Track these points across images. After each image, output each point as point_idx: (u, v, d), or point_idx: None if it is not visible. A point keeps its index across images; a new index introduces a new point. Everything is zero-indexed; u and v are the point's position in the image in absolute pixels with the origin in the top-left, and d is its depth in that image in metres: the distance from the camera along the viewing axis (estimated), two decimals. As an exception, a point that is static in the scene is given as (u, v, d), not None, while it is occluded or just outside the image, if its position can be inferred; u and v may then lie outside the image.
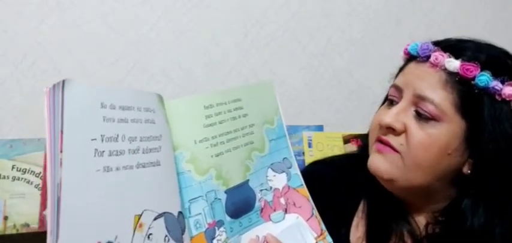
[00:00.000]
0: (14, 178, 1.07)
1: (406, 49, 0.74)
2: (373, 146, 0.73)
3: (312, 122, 1.46)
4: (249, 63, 1.45)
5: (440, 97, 0.66)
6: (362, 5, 1.57)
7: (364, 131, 0.82)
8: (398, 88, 0.71)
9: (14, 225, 1.05)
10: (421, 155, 0.67)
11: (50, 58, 1.26)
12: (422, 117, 0.67)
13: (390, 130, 0.69)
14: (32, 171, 1.08)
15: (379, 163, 0.70)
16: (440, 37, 0.74)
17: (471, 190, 0.68)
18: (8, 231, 1.04)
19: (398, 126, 0.68)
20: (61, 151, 0.44)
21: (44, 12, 1.26)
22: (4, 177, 1.06)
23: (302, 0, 1.50)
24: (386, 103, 0.74)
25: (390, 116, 0.69)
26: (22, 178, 1.08)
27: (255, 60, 1.45)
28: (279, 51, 1.48)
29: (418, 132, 0.67)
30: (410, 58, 0.73)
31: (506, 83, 0.65)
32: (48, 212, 0.43)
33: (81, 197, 0.45)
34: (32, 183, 1.08)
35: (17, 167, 1.08)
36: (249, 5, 1.45)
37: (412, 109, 0.68)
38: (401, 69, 0.75)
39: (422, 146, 0.66)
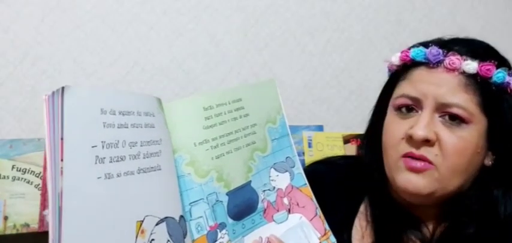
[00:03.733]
0: (14, 178, 1.07)
1: (407, 55, 0.72)
2: (400, 163, 0.69)
3: (312, 122, 1.46)
4: (249, 63, 1.45)
5: (464, 100, 0.66)
6: (362, 5, 1.57)
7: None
8: (414, 99, 0.69)
9: (14, 225, 1.04)
10: (457, 160, 0.66)
11: (50, 58, 1.26)
12: (451, 122, 0.66)
13: (424, 142, 0.67)
14: (32, 171, 1.08)
15: (417, 182, 0.68)
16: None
17: (495, 179, 0.69)
18: (8, 231, 1.03)
19: (433, 137, 0.66)
20: (61, 160, 0.43)
21: (44, 12, 1.26)
22: (4, 177, 1.06)
23: (302, 0, 1.50)
24: (396, 114, 0.72)
25: (422, 128, 0.66)
26: (22, 178, 1.07)
27: (255, 60, 1.45)
28: (279, 51, 1.48)
29: (451, 138, 0.66)
30: (413, 64, 0.71)
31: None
32: (49, 221, 0.42)
33: (83, 205, 0.44)
34: (32, 183, 1.08)
35: (17, 167, 1.08)
36: (248, 5, 1.45)
37: (437, 116, 0.67)
38: (402, 77, 0.72)
39: (457, 152, 0.66)
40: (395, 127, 0.71)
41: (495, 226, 0.68)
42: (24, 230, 1.05)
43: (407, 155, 0.68)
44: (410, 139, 0.68)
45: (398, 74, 0.74)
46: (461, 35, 0.74)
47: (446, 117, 0.67)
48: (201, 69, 1.40)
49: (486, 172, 0.70)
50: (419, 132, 0.66)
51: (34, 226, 1.05)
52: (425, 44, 0.70)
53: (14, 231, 1.04)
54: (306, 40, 1.51)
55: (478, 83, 0.66)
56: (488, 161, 0.70)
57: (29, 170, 1.08)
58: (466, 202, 0.70)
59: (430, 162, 0.67)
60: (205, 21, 1.41)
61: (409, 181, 0.68)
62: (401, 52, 0.73)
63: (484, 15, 1.71)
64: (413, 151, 0.67)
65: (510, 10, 1.75)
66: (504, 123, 0.67)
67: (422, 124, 0.66)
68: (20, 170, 1.08)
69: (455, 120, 0.66)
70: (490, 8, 1.72)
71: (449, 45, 0.69)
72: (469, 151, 0.66)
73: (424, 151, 0.67)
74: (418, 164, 0.67)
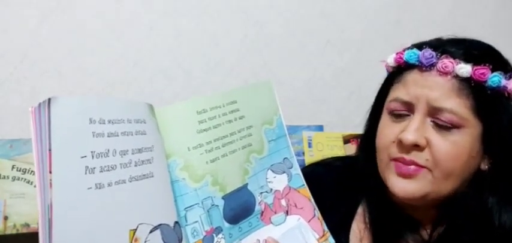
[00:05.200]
0: (14, 178, 1.07)
1: (401, 57, 0.70)
2: (390, 165, 0.69)
3: (312, 122, 1.46)
4: (249, 63, 1.45)
5: (457, 105, 0.64)
6: (361, 5, 1.56)
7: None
8: (406, 103, 0.68)
9: (14, 225, 1.05)
10: (451, 165, 0.65)
11: (50, 58, 1.26)
12: (442, 127, 0.65)
13: (414, 147, 0.66)
14: (32, 171, 1.08)
15: (406, 186, 0.67)
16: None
17: (490, 185, 0.68)
18: (8, 231, 1.04)
19: (423, 142, 0.65)
20: (50, 172, 0.42)
21: (44, 12, 1.26)
22: (4, 177, 1.06)
23: (301, 0, 1.50)
24: (390, 118, 0.71)
25: (411, 133, 0.65)
26: (22, 178, 1.08)
27: (255, 60, 1.45)
28: (279, 52, 1.48)
29: (443, 144, 0.65)
30: (407, 67, 0.70)
31: (510, 79, 0.65)
32: (40, 234, 0.41)
33: (74, 217, 0.43)
34: (32, 183, 1.08)
35: (17, 167, 1.08)
36: (248, 6, 1.44)
37: (429, 120, 0.66)
38: (397, 79, 0.72)
39: (449, 157, 0.65)
40: (387, 130, 0.70)
41: (489, 235, 0.67)
42: (24, 230, 1.05)
43: (397, 160, 0.68)
44: (400, 144, 0.67)
45: (393, 76, 0.73)
46: (461, 35, 0.73)
47: (439, 121, 0.65)
48: (201, 69, 1.40)
49: (482, 176, 0.68)
50: (409, 137, 0.65)
51: (34, 226, 1.06)
52: (420, 46, 0.69)
53: (14, 231, 1.04)
54: (306, 41, 1.51)
55: (472, 87, 0.64)
56: (484, 166, 0.68)
57: (29, 170, 1.08)
58: (461, 207, 0.69)
59: (421, 166, 0.66)
60: (206, 21, 1.41)
61: (398, 186, 0.68)
62: (396, 54, 0.72)
63: (484, 15, 1.70)
64: (404, 155, 0.67)
65: (510, 10, 1.74)
66: (500, 127, 0.66)
67: (412, 129, 0.66)
68: (20, 170, 1.08)
69: (445, 127, 0.65)
70: (490, 8, 1.72)
71: (445, 46, 0.68)
72: (463, 156, 0.65)
73: (414, 156, 0.66)
74: (410, 169, 0.66)
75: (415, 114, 0.67)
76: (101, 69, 1.31)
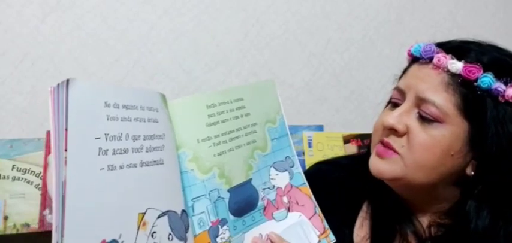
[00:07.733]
0: (14, 178, 1.07)
1: (410, 51, 0.74)
2: (374, 148, 0.72)
3: (312, 122, 1.46)
4: (249, 63, 1.45)
5: (442, 99, 0.66)
6: (362, 5, 1.57)
7: (364, 132, 0.82)
8: (401, 91, 0.71)
9: (14, 225, 1.05)
10: (423, 156, 0.67)
11: (50, 58, 1.26)
12: (425, 119, 0.67)
13: (392, 131, 0.69)
14: (32, 171, 1.08)
15: (379, 165, 0.70)
16: (441, 37, 0.74)
17: (475, 191, 0.68)
18: (8, 231, 1.04)
19: (400, 128, 0.68)
20: (65, 150, 0.44)
21: (44, 12, 1.26)
22: (4, 177, 1.06)
23: (301, 0, 1.50)
24: (389, 106, 0.74)
25: (393, 117, 0.68)
26: (22, 178, 1.07)
27: (255, 60, 1.45)
28: (279, 51, 1.48)
29: (420, 134, 0.67)
30: (413, 60, 0.73)
31: (509, 84, 0.64)
32: (53, 210, 0.43)
33: (86, 196, 0.45)
34: (32, 183, 1.08)
35: (17, 167, 1.08)
36: (249, 5, 1.45)
37: (415, 111, 0.68)
38: (404, 71, 0.75)
39: (423, 148, 0.66)
40: (382, 116, 0.74)
41: (464, 239, 0.67)
42: (24, 230, 1.05)
43: (379, 141, 0.71)
44: (384, 127, 0.70)
45: (405, 69, 0.76)
46: (461, 35, 0.74)
47: (422, 113, 0.67)
48: (201, 69, 1.40)
49: (467, 182, 0.69)
50: (390, 120, 0.68)
51: (34, 226, 1.05)
52: (440, 43, 0.71)
53: (14, 231, 1.04)
54: (306, 40, 1.51)
55: (460, 84, 0.65)
56: (470, 171, 0.68)
57: (29, 170, 1.08)
58: (447, 209, 0.72)
59: (395, 151, 0.68)
60: (206, 21, 1.41)
61: (373, 163, 0.71)
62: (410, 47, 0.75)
63: (484, 15, 1.71)
64: (384, 137, 0.70)
65: (510, 10, 1.75)
66: (486, 131, 0.65)
67: (395, 114, 0.69)
68: (20, 170, 1.08)
69: (427, 119, 0.67)
70: (490, 8, 1.73)
71: (453, 44, 0.70)
72: (437, 149, 0.66)
73: (392, 140, 0.69)
74: (384, 150, 0.70)
75: (404, 102, 0.70)
76: (101, 68, 1.31)
